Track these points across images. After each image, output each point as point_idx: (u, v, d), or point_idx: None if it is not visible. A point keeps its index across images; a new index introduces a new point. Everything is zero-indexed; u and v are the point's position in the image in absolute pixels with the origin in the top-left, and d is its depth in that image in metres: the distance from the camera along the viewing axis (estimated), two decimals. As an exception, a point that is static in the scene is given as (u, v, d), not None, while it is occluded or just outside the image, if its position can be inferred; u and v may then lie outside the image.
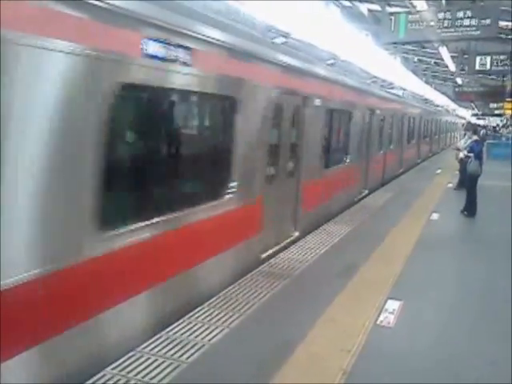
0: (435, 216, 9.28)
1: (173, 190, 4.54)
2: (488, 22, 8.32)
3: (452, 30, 8.56)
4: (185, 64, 4.25)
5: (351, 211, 9.50)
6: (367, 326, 4.29)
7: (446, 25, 8.62)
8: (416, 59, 23.64)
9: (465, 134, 13.54)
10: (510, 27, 13.29)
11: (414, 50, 20.52)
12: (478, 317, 4.71)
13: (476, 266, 6.43)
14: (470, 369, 3.71)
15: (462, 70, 17.34)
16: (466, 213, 9.49)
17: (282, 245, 6.82)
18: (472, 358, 3.89)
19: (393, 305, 4.77)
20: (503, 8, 10.05)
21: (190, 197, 4.73)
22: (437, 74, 28.46)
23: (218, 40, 4.77)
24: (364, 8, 14.76)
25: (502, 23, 12.11)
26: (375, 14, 14.32)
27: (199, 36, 4.47)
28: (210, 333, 4.02)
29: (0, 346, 2.75)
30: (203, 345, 3.81)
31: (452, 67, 18.11)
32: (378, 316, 4.50)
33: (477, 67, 14.16)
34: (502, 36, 13.61)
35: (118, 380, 3.28)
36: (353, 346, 3.91)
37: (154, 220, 4.03)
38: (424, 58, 23.19)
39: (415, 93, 23.19)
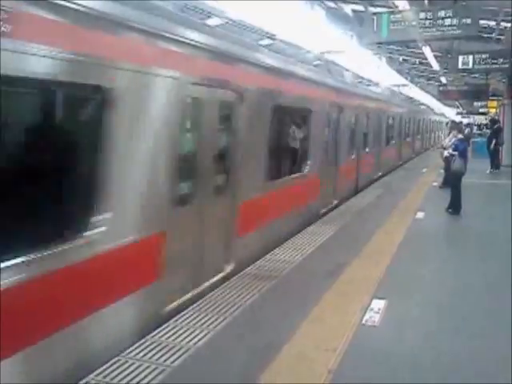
0: (420, 215, 9.35)
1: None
2: (469, 21, 8.40)
3: (434, 29, 8.63)
4: None
5: (337, 211, 9.53)
6: (353, 325, 4.30)
7: (427, 24, 8.69)
8: (401, 59, 23.85)
9: (449, 133, 13.66)
10: (490, 26, 13.47)
11: (398, 49, 20.70)
12: (462, 315, 4.74)
13: (461, 263, 6.49)
14: (456, 367, 3.73)
15: (446, 69, 17.54)
16: (450, 211, 9.58)
17: (329, 207, 9.69)
18: (458, 356, 3.91)
19: (378, 304, 4.78)
20: (484, 8, 10.17)
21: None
22: (422, 73, 28.72)
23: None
24: (348, 9, 14.87)
25: (483, 22, 12.27)
26: (359, 14, 14.43)
27: None
28: (196, 336, 3.99)
29: None
30: (188, 348, 3.79)
31: (436, 66, 18.29)
32: (364, 315, 4.52)
33: (460, 66, 14.30)
34: (483, 35, 13.78)
35: (102, 386, 3.25)
36: (338, 345, 3.91)
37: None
38: (409, 58, 23.40)
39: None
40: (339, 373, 3.51)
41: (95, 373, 3.39)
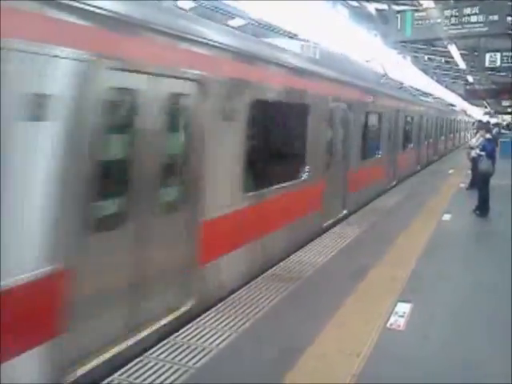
0: (447, 217, 9.16)
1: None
2: (496, 17, 8.18)
3: (459, 26, 8.44)
4: None
5: (362, 212, 9.43)
6: (377, 329, 4.24)
7: (452, 22, 8.50)
8: (426, 58, 23.48)
9: (476, 133, 13.37)
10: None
11: (422, 48, 20.38)
12: (490, 320, 4.61)
13: (488, 267, 6.31)
14: (482, 373, 3.63)
15: (472, 67, 17.17)
16: (478, 212, 9.35)
17: (393, 184, 13.57)
18: (484, 361, 3.81)
19: (403, 308, 4.70)
20: (512, 4, 9.90)
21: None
22: (447, 72, 28.21)
23: None
24: (372, 8, 14.72)
25: (511, 19, 11.95)
26: (383, 13, 14.26)
27: None
28: (218, 337, 3.99)
29: None
30: (211, 350, 3.79)
31: (462, 65, 17.93)
32: (388, 319, 4.44)
33: (486, 64, 13.97)
34: (511, 32, 13.44)
35: (126, 386, 3.28)
36: (362, 349, 3.86)
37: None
38: (434, 57, 23.01)
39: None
40: (363, 377, 3.46)
41: (118, 372, 3.42)
